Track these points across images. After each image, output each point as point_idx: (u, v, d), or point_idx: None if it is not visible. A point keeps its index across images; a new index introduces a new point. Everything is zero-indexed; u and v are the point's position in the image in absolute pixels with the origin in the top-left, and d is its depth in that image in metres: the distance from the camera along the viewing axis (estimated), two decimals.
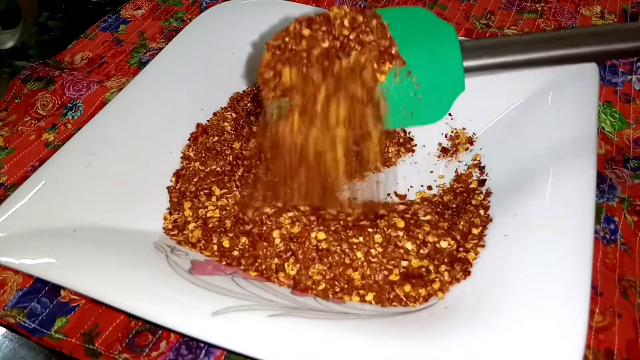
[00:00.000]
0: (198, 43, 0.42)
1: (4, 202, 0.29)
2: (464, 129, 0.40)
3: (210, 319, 0.25)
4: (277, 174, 0.30)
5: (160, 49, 0.45)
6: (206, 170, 0.37)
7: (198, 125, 0.40)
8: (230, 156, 0.38)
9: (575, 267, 0.26)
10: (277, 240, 0.32)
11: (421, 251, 0.31)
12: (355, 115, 0.27)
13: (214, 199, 0.35)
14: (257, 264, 0.31)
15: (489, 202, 0.34)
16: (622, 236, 0.35)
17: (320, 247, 0.31)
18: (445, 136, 0.40)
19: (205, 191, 0.35)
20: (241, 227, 0.33)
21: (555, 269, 0.26)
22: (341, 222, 0.32)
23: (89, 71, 0.49)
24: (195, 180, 0.36)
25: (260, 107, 0.31)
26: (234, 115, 0.42)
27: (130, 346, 0.30)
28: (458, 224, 0.32)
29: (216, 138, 0.39)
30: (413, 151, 0.40)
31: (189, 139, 0.39)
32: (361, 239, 0.31)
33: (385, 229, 0.31)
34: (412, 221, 0.32)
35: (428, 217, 0.33)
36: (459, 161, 0.39)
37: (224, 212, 0.34)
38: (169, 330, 0.31)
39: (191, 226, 0.33)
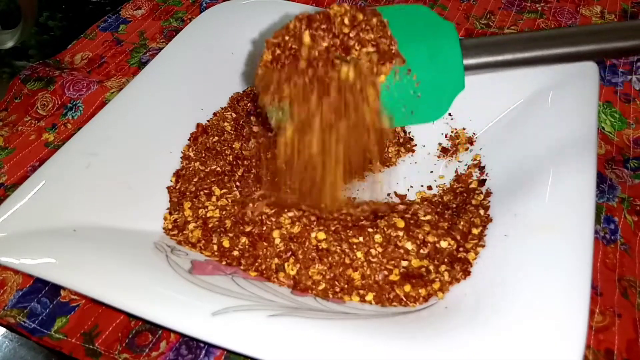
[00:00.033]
0: (198, 43, 0.42)
1: (4, 202, 0.29)
2: (464, 129, 0.40)
3: (210, 319, 0.25)
4: (278, 174, 0.30)
5: (160, 49, 0.45)
6: (206, 170, 0.37)
7: (198, 125, 0.40)
8: (230, 156, 0.38)
9: (575, 267, 0.26)
10: (277, 240, 0.32)
11: (421, 251, 0.31)
12: (355, 140, 0.27)
13: (214, 199, 0.35)
14: (257, 264, 0.31)
15: (489, 202, 0.34)
16: (622, 236, 0.35)
17: (320, 247, 0.31)
18: (445, 136, 0.40)
19: (205, 191, 0.35)
20: (241, 227, 0.33)
21: (555, 269, 0.26)
22: (341, 222, 0.32)
23: (89, 71, 0.49)
24: (195, 180, 0.36)
25: (260, 107, 0.31)
26: (234, 115, 0.42)
27: (130, 346, 0.30)
28: (458, 224, 0.32)
29: (216, 138, 0.39)
30: (413, 151, 0.40)
31: (189, 139, 0.39)
32: (361, 239, 0.31)
33: (385, 229, 0.31)
34: (412, 221, 0.32)
35: (428, 217, 0.33)
36: (459, 161, 0.39)
37: (224, 212, 0.34)
38: (169, 330, 0.31)
39: (191, 226, 0.33)
